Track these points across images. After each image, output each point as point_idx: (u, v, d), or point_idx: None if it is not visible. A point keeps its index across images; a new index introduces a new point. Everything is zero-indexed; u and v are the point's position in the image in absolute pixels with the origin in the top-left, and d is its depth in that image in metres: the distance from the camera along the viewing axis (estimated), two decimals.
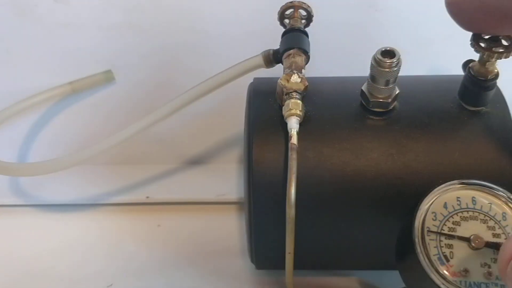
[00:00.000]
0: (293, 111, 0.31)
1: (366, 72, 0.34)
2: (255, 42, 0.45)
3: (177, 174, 0.48)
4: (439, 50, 0.46)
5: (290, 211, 0.29)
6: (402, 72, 0.32)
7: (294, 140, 0.30)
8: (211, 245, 0.43)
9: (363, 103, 0.33)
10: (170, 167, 0.49)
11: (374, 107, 0.32)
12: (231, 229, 0.44)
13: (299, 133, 0.31)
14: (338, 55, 0.46)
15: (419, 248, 0.27)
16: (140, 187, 0.47)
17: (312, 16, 0.37)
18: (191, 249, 0.43)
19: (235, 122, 0.48)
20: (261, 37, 0.44)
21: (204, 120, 0.48)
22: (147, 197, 0.46)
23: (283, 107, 0.32)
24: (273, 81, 0.36)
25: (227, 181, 0.48)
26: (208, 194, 0.46)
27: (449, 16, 0.30)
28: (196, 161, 0.50)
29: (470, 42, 0.30)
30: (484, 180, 0.29)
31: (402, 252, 0.29)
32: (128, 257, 0.42)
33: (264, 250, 0.34)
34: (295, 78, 0.32)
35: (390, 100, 0.32)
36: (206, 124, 0.49)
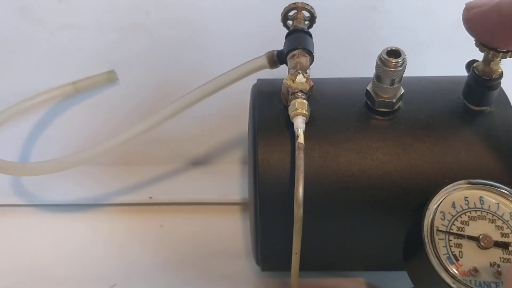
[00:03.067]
0: (299, 111, 0.31)
1: (368, 73, 0.34)
2: (257, 41, 0.45)
3: (180, 175, 0.48)
4: (439, 52, 0.46)
5: (298, 211, 0.29)
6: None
7: (301, 139, 0.30)
8: (214, 246, 0.43)
9: (368, 103, 0.33)
10: (173, 168, 0.49)
11: (379, 106, 0.33)
12: (234, 230, 0.44)
13: (305, 133, 0.31)
14: (340, 56, 0.46)
15: (428, 248, 0.27)
16: (143, 188, 0.47)
17: (315, 17, 0.37)
18: (194, 250, 0.43)
19: (238, 122, 0.48)
20: (262, 35, 0.45)
21: (207, 121, 0.48)
22: (150, 198, 0.46)
23: (289, 107, 0.32)
24: (276, 82, 0.36)
25: (230, 181, 0.48)
26: (211, 194, 0.46)
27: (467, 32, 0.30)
28: (198, 162, 0.50)
29: (475, 42, 0.30)
30: (488, 179, 0.30)
31: (411, 251, 0.29)
32: (131, 258, 0.42)
33: (270, 251, 0.34)
34: (300, 78, 0.32)
35: (395, 100, 0.32)
36: (208, 124, 0.49)
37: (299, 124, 0.31)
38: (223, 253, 0.42)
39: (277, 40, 0.40)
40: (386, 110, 0.33)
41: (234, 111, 0.47)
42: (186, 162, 0.50)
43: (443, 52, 0.46)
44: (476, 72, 0.32)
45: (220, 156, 0.50)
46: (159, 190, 0.47)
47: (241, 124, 0.48)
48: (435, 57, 0.46)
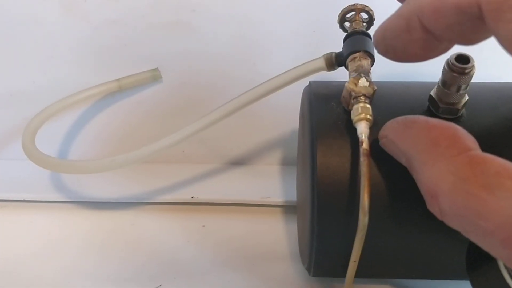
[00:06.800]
0: (362, 116, 0.30)
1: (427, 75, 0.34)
2: (303, 46, 0.44)
3: (221, 175, 0.48)
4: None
5: (364, 219, 0.28)
6: None
7: (365, 145, 0.29)
8: (258, 248, 0.42)
9: (431, 108, 0.32)
10: (213, 167, 0.49)
11: (443, 113, 0.32)
12: (277, 232, 0.44)
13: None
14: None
15: (501, 261, 0.26)
16: (185, 187, 0.46)
17: (374, 19, 0.36)
18: (237, 252, 0.42)
19: (279, 123, 0.48)
20: (308, 39, 0.44)
21: (247, 120, 0.48)
22: (192, 197, 0.45)
23: (352, 112, 0.31)
24: (332, 85, 0.36)
25: (271, 183, 0.47)
26: (253, 196, 0.46)
27: None
28: (238, 162, 0.50)
29: None
30: None
31: (477, 262, 0.28)
32: (175, 257, 0.42)
33: (324, 258, 0.33)
34: (363, 81, 0.31)
35: (459, 106, 0.32)
36: (249, 124, 0.48)
37: (363, 129, 0.30)
38: (266, 255, 0.42)
39: (322, 41, 0.39)
40: (450, 117, 0.32)
41: (276, 111, 0.47)
42: (225, 161, 0.49)
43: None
44: None
45: (260, 156, 0.49)
46: (202, 189, 0.46)
47: (283, 124, 0.48)
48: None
